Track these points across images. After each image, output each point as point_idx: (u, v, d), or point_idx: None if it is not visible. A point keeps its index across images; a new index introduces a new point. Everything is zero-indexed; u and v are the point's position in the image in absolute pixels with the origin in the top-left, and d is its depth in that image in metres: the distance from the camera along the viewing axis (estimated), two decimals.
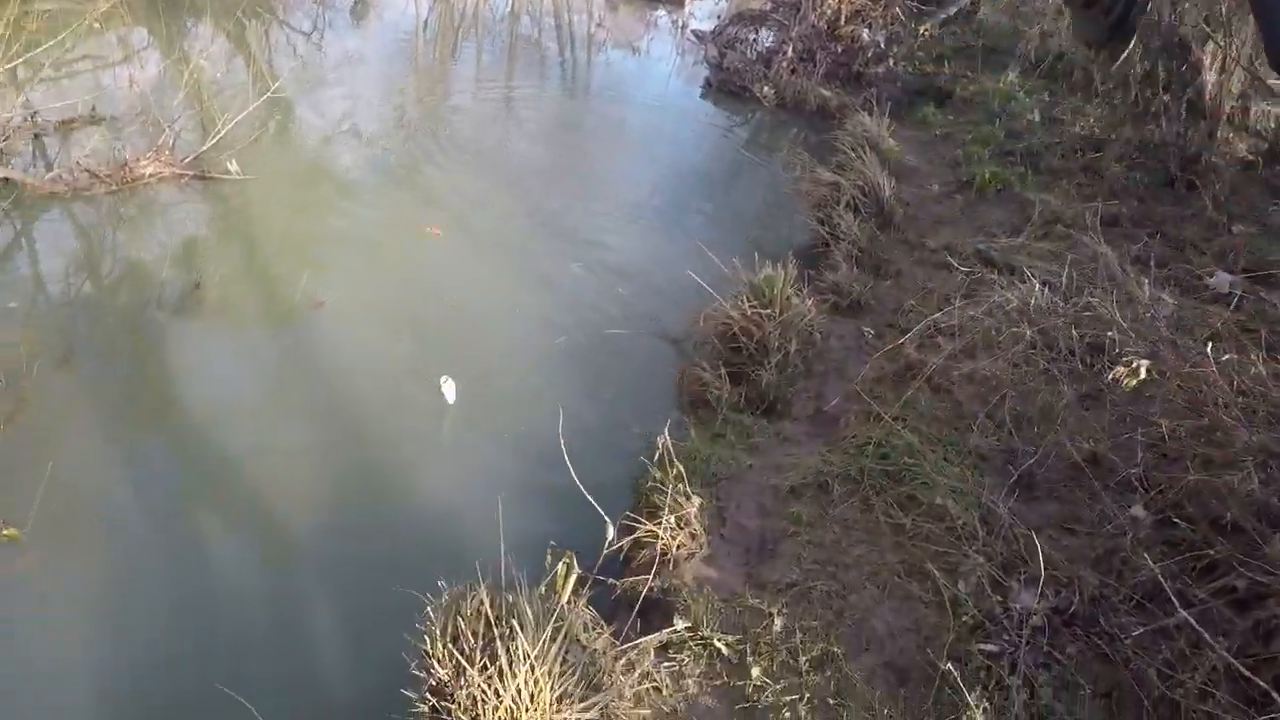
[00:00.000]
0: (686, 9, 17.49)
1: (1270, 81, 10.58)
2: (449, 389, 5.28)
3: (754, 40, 13.12)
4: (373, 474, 4.83)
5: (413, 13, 15.05)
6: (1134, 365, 4.86)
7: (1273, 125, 9.58)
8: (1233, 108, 9.75)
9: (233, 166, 7.58)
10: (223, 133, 7.84)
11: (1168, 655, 3.39)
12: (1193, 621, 3.30)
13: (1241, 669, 3.13)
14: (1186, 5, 9.90)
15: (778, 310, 5.71)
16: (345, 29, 13.36)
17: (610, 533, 3.86)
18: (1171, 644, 3.42)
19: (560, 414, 4.40)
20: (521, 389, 5.61)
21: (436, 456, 5.08)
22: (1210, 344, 4.86)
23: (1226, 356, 4.80)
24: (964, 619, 3.68)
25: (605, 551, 3.84)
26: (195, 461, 4.80)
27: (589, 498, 3.89)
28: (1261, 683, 3.05)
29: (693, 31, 14.88)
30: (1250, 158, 9.11)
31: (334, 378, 5.46)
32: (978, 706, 3.25)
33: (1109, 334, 5.16)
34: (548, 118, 10.77)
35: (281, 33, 12.84)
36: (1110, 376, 4.86)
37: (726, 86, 12.02)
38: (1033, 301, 5.52)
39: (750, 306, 5.73)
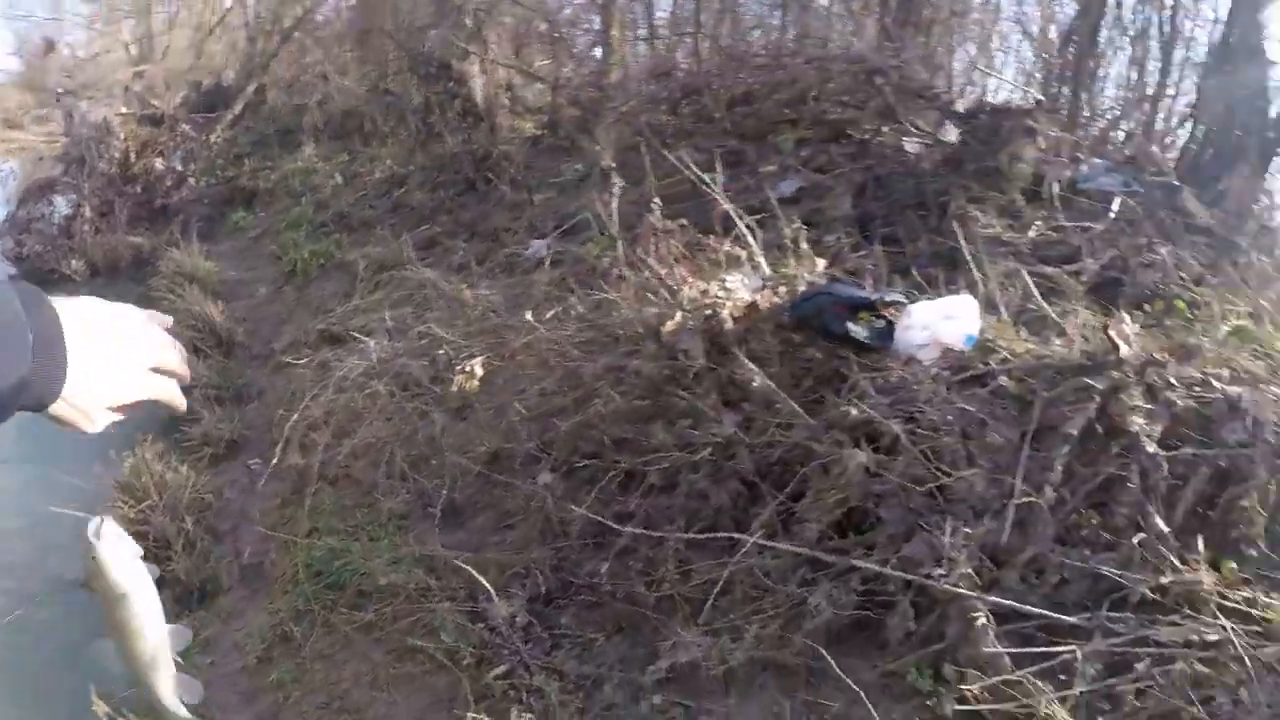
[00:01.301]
0: None
1: (536, 66, 12.02)
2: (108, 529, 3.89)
3: (51, 213, 11.91)
4: None
5: None
6: (468, 369, 5.24)
7: (548, 99, 10.81)
8: (508, 98, 10.91)
9: None
10: None
11: (640, 566, 3.66)
12: (635, 530, 3.65)
13: (696, 536, 3.55)
14: (432, 34, 10.87)
15: (157, 496, 5.26)
16: None
17: None
18: (638, 556, 3.69)
19: None
20: None
21: None
22: (533, 310, 5.37)
23: (550, 313, 5.34)
24: (465, 663, 3.67)
25: None
26: None
27: None
28: (721, 533, 3.48)
29: None
30: (539, 133, 10.22)
31: None
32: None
33: (440, 350, 5.49)
34: None
35: None
36: (453, 388, 5.17)
37: (37, 276, 10.80)
38: (374, 355, 5.70)
39: (132, 508, 5.20)
